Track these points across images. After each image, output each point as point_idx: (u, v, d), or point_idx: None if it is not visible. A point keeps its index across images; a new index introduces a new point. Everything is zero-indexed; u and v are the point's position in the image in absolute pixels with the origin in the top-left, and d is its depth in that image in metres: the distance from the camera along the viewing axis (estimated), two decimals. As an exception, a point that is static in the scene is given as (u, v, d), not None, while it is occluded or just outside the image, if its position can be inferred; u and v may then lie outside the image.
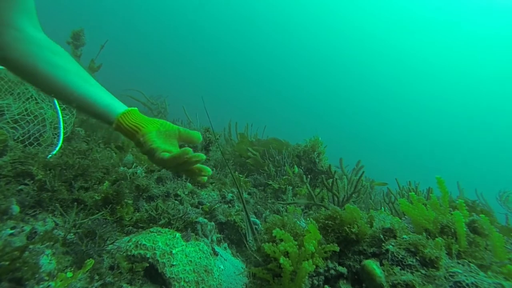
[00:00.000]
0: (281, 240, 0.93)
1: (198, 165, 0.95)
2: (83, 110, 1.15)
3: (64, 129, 2.11)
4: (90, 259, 0.95)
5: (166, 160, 0.93)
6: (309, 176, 3.13)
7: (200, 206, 2.05)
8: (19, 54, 1.12)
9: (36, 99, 2.19)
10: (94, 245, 1.21)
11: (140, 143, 1.00)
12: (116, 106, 1.07)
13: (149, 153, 0.99)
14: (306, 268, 0.84)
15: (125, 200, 1.52)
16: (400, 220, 1.12)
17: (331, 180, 2.51)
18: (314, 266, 0.86)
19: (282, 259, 0.87)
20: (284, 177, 3.06)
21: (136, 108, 1.08)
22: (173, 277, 1.20)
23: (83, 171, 1.50)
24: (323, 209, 1.17)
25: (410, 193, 1.33)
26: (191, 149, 0.90)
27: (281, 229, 1.00)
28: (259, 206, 2.55)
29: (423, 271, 0.90)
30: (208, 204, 2.08)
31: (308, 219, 1.17)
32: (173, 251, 1.24)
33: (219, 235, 1.99)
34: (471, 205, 2.05)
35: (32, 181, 1.35)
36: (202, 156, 0.91)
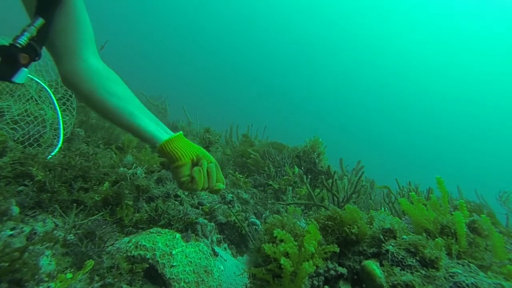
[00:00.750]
0: (281, 240, 0.93)
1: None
2: (131, 133, 1.29)
3: (64, 130, 2.11)
4: (90, 260, 0.95)
5: (191, 189, 1.08)
6: (309, 177, 3.13)
7: (200, 207, 2.05)
8: (84, 82, 1.26)
9: (36, 100, 2.19)
10: (94, 246, 1.21)
11: (175, 171, 1.13)
12: (160, 133, 1.18)
13: (178, 181, 1.12)
14: (306, 269, 0.84)
15: (125, 201, 1.52)
16: (400, 221, 1.12)
17: (331, 180, 2.51)
18: (315, 267, 0.86)
19: (283, 260, 0.87)
20: (284, 177, 3.06)
21: (180, 133, 1.19)
22: (173, 278, 1.20)
23: (84, 172, 1.50)
24: (323, 209, 1.17)
25: (410, 193, 1.33)
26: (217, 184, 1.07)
27: (281, 230, 1.00)
28: (259, 207, 2.55)
29: (423, 272, 0.90)
30: (208, 205, 2.08)
31: (308, 219, 1.17)
32: (173, 252, 1.24)
33: (219, 236, 1.99)
34: (476, 207, 2.03)
35: (31, 182, 1.35)
36: (222, 186, 1.06)
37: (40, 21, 1.11)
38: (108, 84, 1.32)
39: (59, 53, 1.23)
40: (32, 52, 1.09)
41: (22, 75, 1.07)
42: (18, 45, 1.04)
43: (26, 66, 1.08)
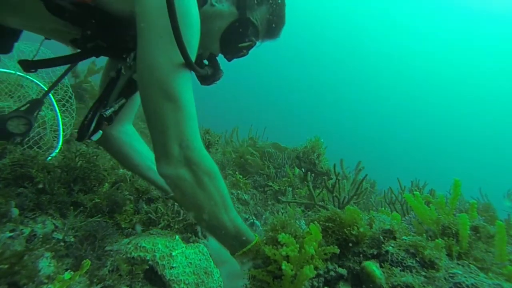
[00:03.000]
0: (283, 244, 0.92)
1: None
2: (148, 182, 1.64)
3: (63, 131, 2.11)
4: (87, 260, 0.95)
5: None
6: (312, 175, 3.12)
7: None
8: (120, 143, 1.58)
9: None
10: (94, 248, 1.21)
11: None
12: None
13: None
14: (307, 273, 0.83)
15: (124, 208, 1.52)
16: (400, 221, 1.12)
17: (331, 181, 2.50)
18: (315, 272, 0.86)
19: (284, 265, 0.86)
20: (284, 178, 3.06)
21: None
22: (173, 279, 1.19)
23: (84, 174, 1.50)
24: (323, 210, 1.17)
25: (415, 192, 1.33)
26: None
27: (281, 231, 1.00)
28: (259, 208, 2.55)
29: (423, 272, 0.90)
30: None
31: (308, 220, 1.17)
32: (173, 253, 1.24)
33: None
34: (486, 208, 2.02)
35: (31, 184, 1.35)
36: None
37: (123, 101, 1.42)
38: (133, 143, 1.63)
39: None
40: (110, 121, 1.37)
41: (97, 135, 1.35)
42: (104, 115, 1.30)
43: (102, 130, 1.35)
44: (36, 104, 1.62)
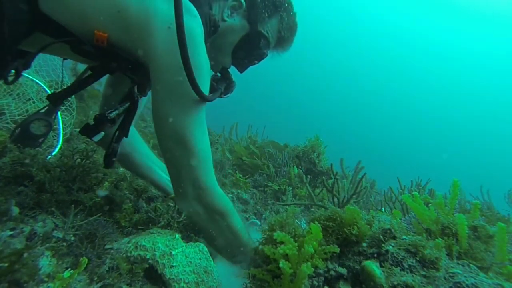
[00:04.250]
0: (281, 242, 0.92)
1: None
2: (150, 183, 1.70)
3: (63, 130, 2.11)
4: (84, 257, 0.95)
5: None
6: (308, 177, 3.12)
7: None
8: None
9: (34, 101, 2.19)
10: (94, 247, 1.21)
11: None
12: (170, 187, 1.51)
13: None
14: (304, 271, 0.83)
15: (124, 206, 1.52)
16: (399, 221, 1.12)
17: (331, 180, 2.50)
18: (313, 269, 0.86)
19: (281, 263, 0.86)
20: (283, 179, 3.05)
21: None
22: (173, 278, 1.19)
23: (83, 172, 1.50)
24: (322, 209, 1.17)
25: (413, 192, 1.33)
26: None
27: (280, 230, 1.00)
28: (259, 207, 2.55)
29: (423, 272, 0.90)
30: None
31: (309, 220, 1.17)
32: (173, 252, 1.24)
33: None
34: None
35: (31, 182, 1.35)
36: None
37: (127, 105, 1.43)
38: (134, 143, 1.66)
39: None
40: (113, 123, 1.37)
41: (99, 136, 1.36)
42: (108, 117, 1.31)
43: (104, 131, 1.36)
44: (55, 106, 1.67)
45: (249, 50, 1.49)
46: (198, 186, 1.22)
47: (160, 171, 1.73)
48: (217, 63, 1.51)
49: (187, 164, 1.19)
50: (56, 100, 1.34)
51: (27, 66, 1.32)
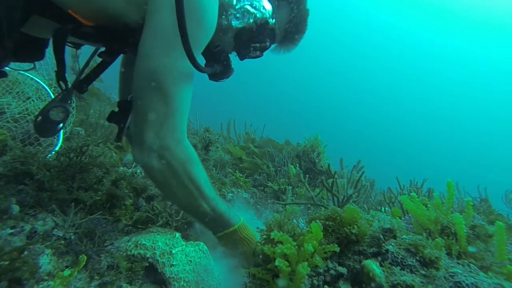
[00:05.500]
0: (280, 242, 0.92)
1: None
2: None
3: (63, 129, 2.10)
4: (83, 255, 0.96)
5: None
6: (308, 176, 3.12)
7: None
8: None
9: (34, 100, 2.19)
10: (94, 245, 1.21)
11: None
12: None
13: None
14: (301, 271, 0.84)
15: (124, 202, 1.52)
16: (399, 221, 1.12)
17: (330, 180, 2.50)
18: (309, 269, 0.86)
19: (277, 261, 0.87)
20: (282, 180, 3.05)
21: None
22: (173, 277, 1.19)
23: (80, 169, 1.50)
24: (322, 209, 1.18)
25: (411, 193, 1.33)
26: None
27: (278, 230, 1.00)
28: (259, 206, 2.55)
29: (423, 272, 0.90)
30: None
31: (309, 219, 1.17)
32: (173, 251, 1.24)
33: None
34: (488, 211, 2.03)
35: (31, 181, 1.35)
36: None
37: None
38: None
39: None
40: None
41: (128, 121, 1.37)
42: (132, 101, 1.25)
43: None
44: (68, 93, 1.67)
45: (251, 37, 1.42)
46: (163, 136, 1.14)
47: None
48: (218, 48, 1.44)
49: (159, 111, 1.11)
50: (81, 87, 1.37)
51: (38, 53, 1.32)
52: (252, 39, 1.43)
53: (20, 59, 1.38)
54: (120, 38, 1.22)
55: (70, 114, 2.31)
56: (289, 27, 1.50)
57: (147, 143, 1.13)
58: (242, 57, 1.52)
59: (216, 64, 1.43)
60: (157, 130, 1.13)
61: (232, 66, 1.50)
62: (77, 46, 1.49)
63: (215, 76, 1.46)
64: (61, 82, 1.38)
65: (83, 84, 1.38)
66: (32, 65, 1.55)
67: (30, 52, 1.32)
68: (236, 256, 1.34)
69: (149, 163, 1.15)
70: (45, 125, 1.43)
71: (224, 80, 1.50)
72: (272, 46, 1.56)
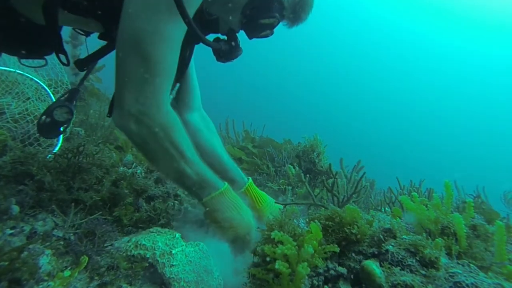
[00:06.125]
0: (280, 242, 0.92)
1: None
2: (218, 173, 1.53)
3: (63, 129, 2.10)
4: (84, 256, 0.95)
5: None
6: (308, 176, 3.12)
7: (200, 206, 2.04)
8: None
9: (33, 101, 2.19)
10: (93, 245, 1.21)
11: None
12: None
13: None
14: (300, 271, 0.84)
15: (124, 201, 1.52)
16: (399, 221, 1.12)
17: (330, 180, 2.50)
18: (309, 270, 0.86)
19: (277, 264, 0.87)
20: (281, 180, 3.05)
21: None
22: (173, 277, 1.19)
23: (79, 169, 1.49)
24: (323, 209, 1.18)
25: (412, 193, 1.34)
26: None
27: (279, 230, 1.00)
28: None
29: (423, 272, 0.90)
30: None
31: (309, 219, 1.17)
32: (173, 251, 1.24)
33: (219, 235, 1.98)
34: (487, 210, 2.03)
35: (31, 181, 1.35)
36: None
37: (178, 86, 1.51)
38: (203, 137, 1.72)
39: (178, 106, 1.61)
40: (175, 109, 1.34)
41: None
42: None
43: None
44: (74, 93, 1.65)
45: (260, 12, 1.34)
46: (143, 101, 1.11)
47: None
48: (224, 23, 1.39)
49: (139, 75, 1.08)
50: (81, 65, 1.38)
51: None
52: (260, 14, 1.34)
53: (31, 52, 1.38)
54: (112, 11, 1.17)
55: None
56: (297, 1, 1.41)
57: (126, 107, 1.12)
58: (250, 35, 1.44)
59: (222, 42, 1.38)
60: (137, 94, 1.11)
61: (240, 46, 1.43)
62: (87, 34, 1.48)
63: (221, 56, 1.40)
64: (61, 56, 1.36)
65: (83, 62, 1.38)
66: (43, 62, 1.54)
67: (39, 44, 1.33)
68: (225, 230, 1.33)
69: (127, 126, 1.14)
70: (48, 125, 1.43)
71: (231, 60, 1.44)
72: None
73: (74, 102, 1.65)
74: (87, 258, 0.97)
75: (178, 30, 1.11)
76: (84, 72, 1.68)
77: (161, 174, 1.28)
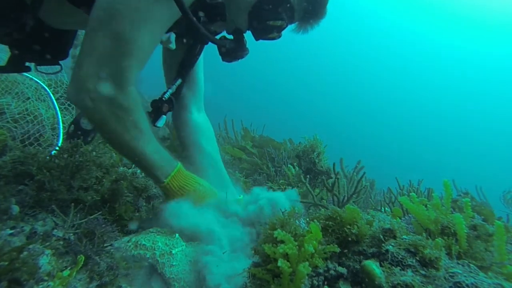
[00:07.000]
0: (282, 241, 0.92)
1: None
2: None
3: (63, 129, 2.10)
4: (81, 255, 0.95)
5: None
6: (308, 176, 3.12)
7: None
8: (185, 131, 1.61)
9: (33, 101, 2.19)
10: (93, 245, 1.21)
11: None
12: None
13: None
14: (301, 271, 0.84)
15: (124, 197, 1.51)
16: (399, 221, 1.12)
17: (330, 180, 2.50)
18: (310, 269, 0.86)
19: (280, 262, 0.87)
20: (281, 181, 3.05)
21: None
22: (173, 277, 1.19)
23: (77, 168, 1.49)
24: (323, 209, 1.18)
25: (411, 193, 1.33)
26: None
27: (280, 229, 1.00)
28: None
29: (423, 272, 0.90)
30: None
31: (308, 219, 1.17)
32: (173, 251, 1.24)
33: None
34: (480, 207, 2.03)
35: (31, 181, 1.35)
36: None
37: (179, 81, 1.46)
38: (199, 138, 1.63)
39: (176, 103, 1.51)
40: (171, 103, 1.40)
41: (162, 120, 1.39)
42: (164, 98, 1.33)
43: (165, 113, 1.38)
44: None
45: (268, 12, 1.29)
46: (105, 78, 1.04)
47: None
48: (231, 23, 1.37)
49: (107, 50, 1.02)
50: None
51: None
52: (268, 15, 1.30)
53: (45, 58, 1.39)
54: None
55: (70, 115, 2.32)
56: (308, 3, 1.38)
57: (83, 80, 1.05)
58: (257, 36, 1.41)
59: (228, 42, 1.36)
60: (97, 69, 1.04)
61: (246, 46, 1.40)
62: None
63: (226, 55, 1.38)
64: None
65: None
66: (59, 68, 1.53)
67: (53, 50, 1.34)
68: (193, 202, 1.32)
69: (83, 102, 1.08)
70: (77, 133, 1.44)
71: (237, 60, 1.42)
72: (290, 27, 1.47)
73: None
74: (83, 258, 0.98)
75: (163, 13, 1.05)
76: None
77: (119, 154, 1.24)
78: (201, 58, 1.56)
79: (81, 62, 1.06)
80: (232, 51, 1.37)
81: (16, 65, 1.40)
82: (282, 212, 1.07)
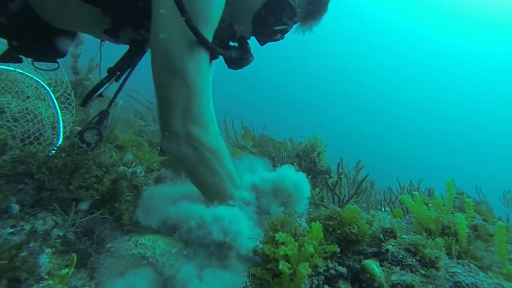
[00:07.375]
0: (282, 243, 0.92)
1: None
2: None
3: (63, 128, 2.10)
4: (74, 254, 0.96)
5: None
6: (308, 176, 3.12)
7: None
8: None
9: (33, 100, 2.19)
10: (93, 244, 1.21)
11: None
12: None
13: None
14: (302, 271, 0.84)
15: (124, 196, 1.51)
16: (399, 220, 1.12)
17: (331, 179, 2.50)
18: (310, 270, 0.86)
19: (281, 264, 0.86)
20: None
21: None
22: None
23: (76, 166, 1.49)
24: (323, 209, 1.18)
25: (413, 192, 1.33)
26: None
27: (281, 229, 1.00)
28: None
29: (423, 271, 0.90)
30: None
31: (309, 219, 1.17)
32: (173, 251, 1.24)
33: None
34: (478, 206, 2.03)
35: (31, 180, 1.35)
36: None
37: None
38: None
39: None
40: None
41: None
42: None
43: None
44: (104, 115, 1.68)
45: (271, 19, 1.33)
46: (189, 123, 1.12)
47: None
48: (235, 31, 1.40)
49: (178, 93, 1.10)
50: (113, 73, 1.47)
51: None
52: (272, 21, 1.34)
53: (42, 53, 1.43)
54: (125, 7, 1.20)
55: (70, 114, 2.31)
56: (309, 4, 1.41)
57: (175, 132, 1.13)
58: (262, 41, 1.45)
59: (233, 50, 1.38)
60: (182, 116, 1.12)
61: (251, 53, 1.43)
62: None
63: (232, 63, 1.40)
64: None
65: (115, 71, 1.47)
66: (56, 65, 1.59)
67: (52, 48, 1.37)
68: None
69: (178, 150, 1.15)
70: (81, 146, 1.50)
71: (243, 67, 1.44)
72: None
73: (104, 123, 1.68)
74: (76, 256, 0.98)
75: (205, 56, 1.15)
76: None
77: (207, 198, 1.28)
78: (213, 66, 1.58)
79: (166, 115, 1.14)
80: (238, 59, 1.39)
81: (7, 55, 1.42)
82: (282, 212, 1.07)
